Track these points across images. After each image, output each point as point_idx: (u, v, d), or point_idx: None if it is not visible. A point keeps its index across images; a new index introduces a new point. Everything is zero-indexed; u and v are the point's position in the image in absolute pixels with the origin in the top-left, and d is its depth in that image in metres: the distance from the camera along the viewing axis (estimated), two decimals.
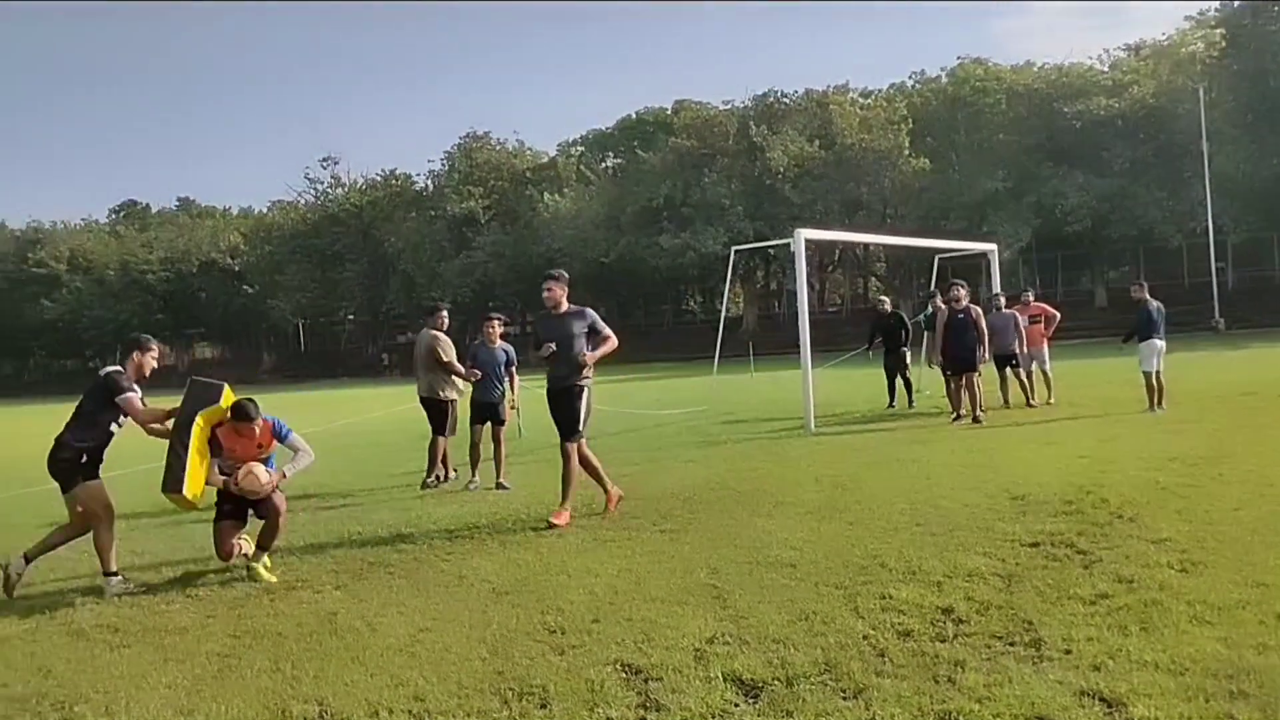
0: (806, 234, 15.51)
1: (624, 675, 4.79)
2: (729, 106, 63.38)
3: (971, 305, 15.40)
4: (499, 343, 11.68)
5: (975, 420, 14.35)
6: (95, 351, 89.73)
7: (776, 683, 4.52)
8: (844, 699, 4.29)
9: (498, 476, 11.24)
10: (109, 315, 77.62)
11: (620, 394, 27.16)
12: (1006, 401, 16.63)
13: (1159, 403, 14.83)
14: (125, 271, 78.99)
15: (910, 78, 64.94)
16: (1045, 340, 17.16)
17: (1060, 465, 10.15)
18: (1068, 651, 4.66)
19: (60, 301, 77.94)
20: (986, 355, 15.35)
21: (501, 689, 4.72)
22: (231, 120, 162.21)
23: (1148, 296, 15.59)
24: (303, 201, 79.05)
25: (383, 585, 6.98)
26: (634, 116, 72.20)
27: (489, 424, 11.51)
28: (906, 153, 55.93)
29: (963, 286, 15.47)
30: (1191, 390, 17.48)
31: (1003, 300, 17.40)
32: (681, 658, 4.95)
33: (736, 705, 4.32)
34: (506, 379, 11.65)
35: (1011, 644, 4.84)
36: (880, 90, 63.62)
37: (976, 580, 6.00)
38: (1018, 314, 16.92)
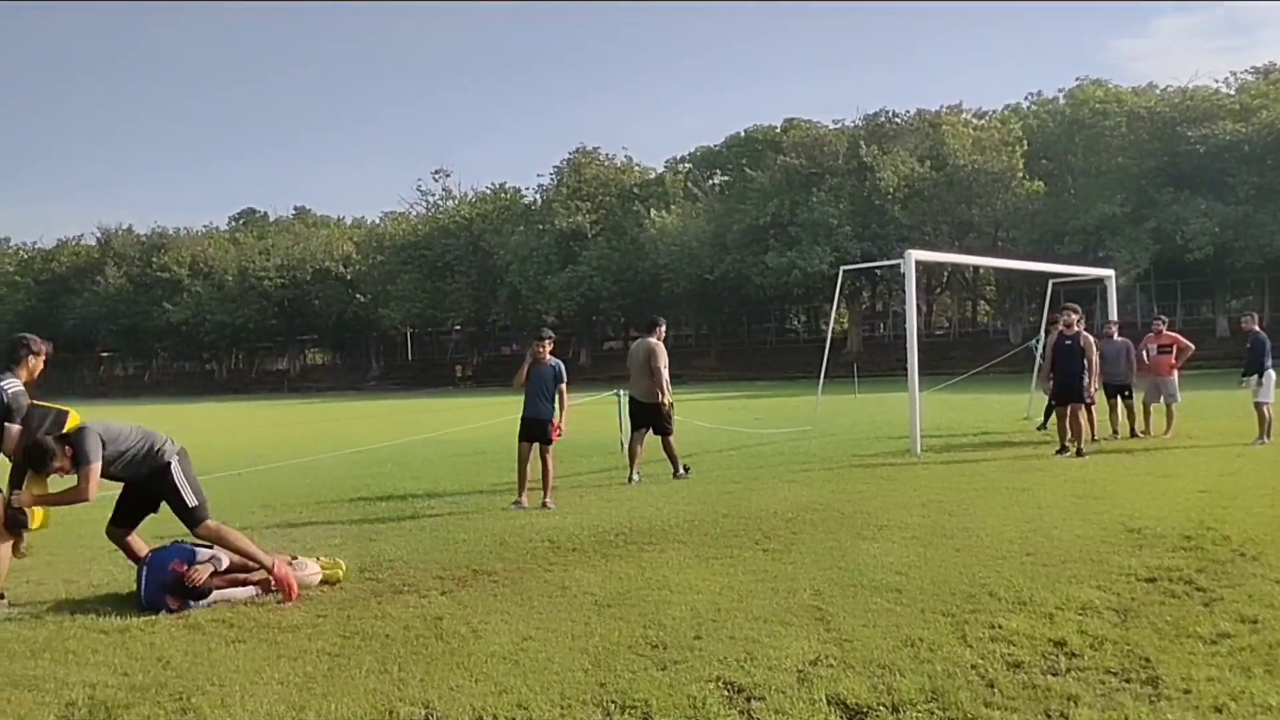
0: (917, 255, 15.28)
1: (726, 693, 4.77)
2: (839, 125, 62.85)
3: (1083, 333, 14.88)
4: (549, 359, 11.53)
5: (1078, 453, 13.84)
6: (213, 355, 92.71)
7: (881, 708, 4.46)
8: None
9: (545, 497, 11.13)
10: (228, 319, 79.88)
11: (723, 411, 27.11)
12: (1116, 431, 16.16)
13: (1267, 434, 14.55)
14: (244, 277, 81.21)
15: (1026, 99, 63.81)
16: (1175, 371, 16.48)
17: (1179, 499, 9.84)
18: (1186, 691, 4.51)
19: (182, 305, 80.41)
20: (1095, 385, 14.89)
21: (604, 701, 4.73)
22: (347, 131, 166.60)
23: (1257, 328, 15.35)
24: (414, 213, 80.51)
25: (486, 593, 7.05)
26: (742, 134, 71.90)
27: (537, 444, 11.34)
28: (1020, 175, 54.87)
29: (1075, 311, 14.93)
30: None
31: (1115, 328, 16.93)
32: (784, 678, 4.91)
33: None
34: (556, 396, 11.54)
35: (1127, 681, 4.70)
36: (995, 111, 62.63)
37: (1090, 614, 5.84)
38: (1131, 343, 16.44)
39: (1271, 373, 14.86)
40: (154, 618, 6.66)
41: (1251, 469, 11.99)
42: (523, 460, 11.30)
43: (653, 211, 63.62)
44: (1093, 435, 15.25)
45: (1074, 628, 5.56)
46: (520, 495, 11.13)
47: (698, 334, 73.46)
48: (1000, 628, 5.61)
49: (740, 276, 59.36)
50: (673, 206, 64.39)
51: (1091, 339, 14.95)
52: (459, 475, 14.41)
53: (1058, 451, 14.02)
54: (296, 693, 5.05)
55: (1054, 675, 4.83)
